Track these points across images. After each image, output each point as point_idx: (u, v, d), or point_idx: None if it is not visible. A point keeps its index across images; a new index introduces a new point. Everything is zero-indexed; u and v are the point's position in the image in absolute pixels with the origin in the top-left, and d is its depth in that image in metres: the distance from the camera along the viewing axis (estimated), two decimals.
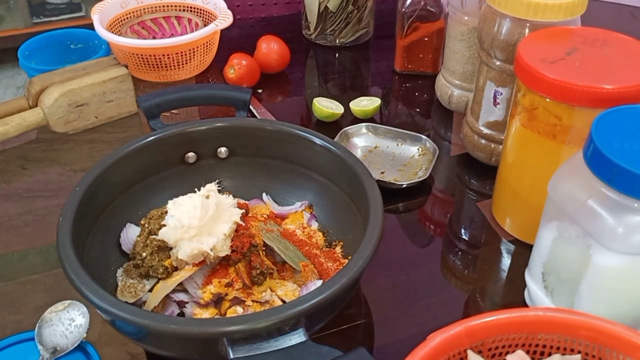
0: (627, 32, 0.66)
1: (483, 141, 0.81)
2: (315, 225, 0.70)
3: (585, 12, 0.70)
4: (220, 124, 0.71)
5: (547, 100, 0.61)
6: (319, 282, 0.61)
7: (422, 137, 0.86)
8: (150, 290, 0.61)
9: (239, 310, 0.58)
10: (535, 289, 0.62)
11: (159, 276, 0.60)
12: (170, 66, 1.01)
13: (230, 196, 0.64)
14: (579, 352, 0.44)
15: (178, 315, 0.59)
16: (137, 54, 0.98)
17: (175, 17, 1.12)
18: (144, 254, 0.60)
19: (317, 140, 0.68)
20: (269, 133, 0.71)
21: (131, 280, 0.62)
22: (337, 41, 1.14)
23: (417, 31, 1.00)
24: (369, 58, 1.16)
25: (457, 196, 0.83)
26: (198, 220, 0.57)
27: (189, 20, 1.12)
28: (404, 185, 0.79)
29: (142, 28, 1.11)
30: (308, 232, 0.68)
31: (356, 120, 0.93)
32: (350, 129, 0.88)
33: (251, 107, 0.95)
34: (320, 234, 0.69)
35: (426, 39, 1.00)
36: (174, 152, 0.70)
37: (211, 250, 0.57)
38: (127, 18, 1.09)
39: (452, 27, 0.90)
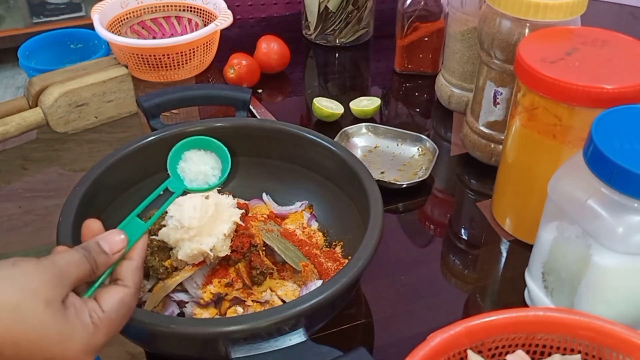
0: (627, 32, 0.66)
1: (483, 141, 0.81)
2: (315, 225, 0.70)
3: (585, 12, 0.70)
4: (220, 124, 0.71)
5: (547, 100, 0.61)
6: (319, 282, 0.61)
7: (422, 137, 0.86)
8: (150, 290, 0.61)
9: (239, 310, 0.58)
10: (535, 289, 0.62)
11: (159, 276, 0.60)
12: (170, 66, 1.01)
13: (230, 196, 0.64)
14: (579, 352, 0.45)
15: (178, 315, 0.59)
16: (137, 54, 0.98)
17: (175, 17, 1.12)
18: None
19: (317, 140, 0.68)
20: (269, 133, 0.71)
21: None
22: (337, 41, 1.14)
23: (417, 31, 1.00)
24: (369, 58, 1.16)
25: (457, 196, 0.83)
26: (198, 220, 0.57)
27: (189, 20, 1.12)
28: (404, 185, 0.79)
29: (142, 28, 1.11)
30: (308, 232, 0.68)
31: (356, 120, 0.93)
32: (350, 129, 0.88)
33: (251, 107, 0.95)
34: (320, 234, 0.69)
35: (426, 39, 1.00)
36: None
37: (211, 250, 0.57)
38: (127, 18, 1.09)
39: (452, 27, 0.90)
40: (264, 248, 0.62)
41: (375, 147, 0.87)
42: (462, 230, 0.77)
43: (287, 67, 1.07)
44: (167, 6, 1.12)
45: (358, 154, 0.86)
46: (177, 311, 0.60)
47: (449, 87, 0.93)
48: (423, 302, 0.66)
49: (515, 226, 0.73)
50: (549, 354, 0.45)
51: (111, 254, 0.47)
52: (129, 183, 0.67)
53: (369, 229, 0.56)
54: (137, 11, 1.10)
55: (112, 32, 1.03)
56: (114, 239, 0.48)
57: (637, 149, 0.50)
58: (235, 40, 1.17)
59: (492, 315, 0.44)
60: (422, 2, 0.97)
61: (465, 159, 0.86)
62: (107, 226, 0.64)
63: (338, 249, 0.66)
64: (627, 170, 0.48)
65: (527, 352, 0.45)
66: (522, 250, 0.70)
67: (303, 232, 0.67)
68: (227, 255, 0.58)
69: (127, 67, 0.93)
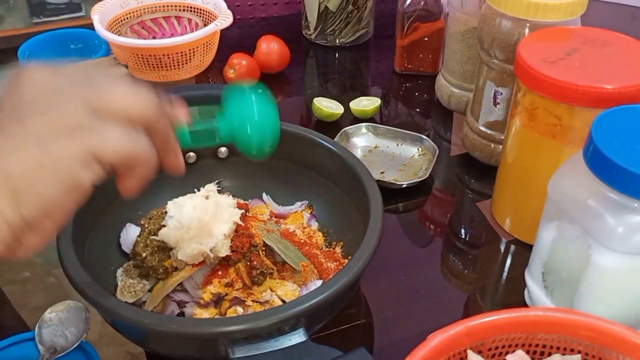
0: (627, 32, 0.66)
1: (483, 141, 0.81)
2: (315, 225, 0.70)
3: (585, 12, 0.70)
4: None
5: (547, 100, 0.61)
6: (319, 282, 0.61)
7: (422, 137, 0.86)
8: (150, 290, 0.61)
9: (239, 310, 0.58)
10: (535, 289, 0.62)
11: (159, 276, 0.60)
12: (170, 66, 1.01)
13: (230, 196, 0.64)
14: (579, 352, 0.45)
15: (178, 315, 0.59)
16: (137, 54, 0.98)
17: (175, 17, 1.12)
18: (144, 254, 0.60)
19: (317, 140, 0.68)
20: None
21: (131, 280, 0.62)
22: (337, 41, 1.14)
23: (417, 31, 1.00)
24: (369, 58, 1.16)
25: (457, 196, 0.83)
26: (198, 220, 0.57)
27: (189, 20, 1.12)
28: (404, 185, 0.79)
29: (142, 28, 1.11)
30: (308, 232, 0.68)
31: (356, 120, 0.93)
32: (350, 129, 0.88)
33: None
34: (320, 234, 0.69)
35: (426, 39, 1.00)
36: None
37: (211, 250, 0.57)
38: (127, 18, 1.09)
39: (452, 27, 0.90)
40: (264, 248, 0.62)
41: (375, 147, 0.87)
42: (462, 230, 0.77)
43: (287, 67, 1.07)
44: (167, 6, 1.12)
45: (358, 154, 0.86)
46: (177, 311, 0.60)
47: (449, 87, 0.93)
48: (423, 302, 0.66)
49: (515, 226, 0.73)
50: (549, 354, 0.45)
51: (176, 115, 0.42)
52: None
53: (369, 229, 0.56)
54: (137, 11, 1.10)
55: (112, 32, 1.03)
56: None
57: (637, 149, 0.50)
58: (235, 40, 1.17)
59: (492, 315, 0.44)
60: (422, 2, 0.97)
61: (465, 159, 0.86)
62: (106, 226, 0.64)
63: (338, 249, 0.66)
64: (627, 170, 0.48)
65: (527, 352, 0.45)
66: (522, 250, 0.70)
67: (303, 232, 0.67)
68: (227, 255, 0.58)
69: (127, 67, 0.93)
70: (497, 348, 0.45)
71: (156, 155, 0.40)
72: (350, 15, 1.11)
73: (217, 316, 0.58)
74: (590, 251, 0.53)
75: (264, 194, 0.73)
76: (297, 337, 0.48)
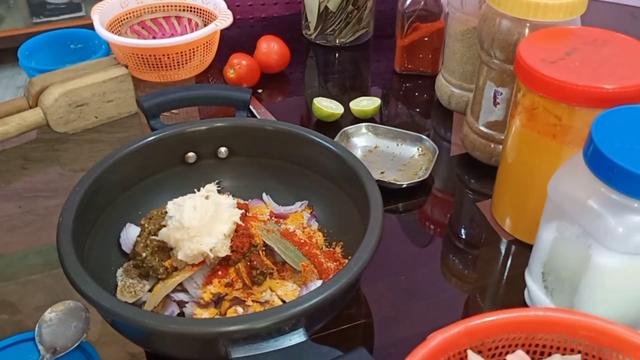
0: (627, 32, 0.66)
1: (483, 141, 0.81)
2: (315, 225, 0.70)
3: (585, 12, 0.70)
4: (220, 124, 0.71)
5: (547, 100, 0.61)
6: (319, 282, 0.61)
7: (422, 137, 0.86)
8: (150, 290, 0.61)
9: (239, 310, 0.58)
10: (535, 289, 0.62)
11: (159, 276, 0.60)
12: (170, 66, 1.01)
13: (230, 196, 0.64)
14: (579, 352, 0.45)
15: (178, 315, 0.59)
16: (137, 54, 0.98)
17: (175, 17, 1.12)
18: (144, 254, 0.60)
19: (317, 140, 0.68)
20: (269, 133, 0.71)
21: (131, 280, 0.62)
22: (337, 41, 1.14)
23: (417, 31, 1.00)
24: (369, 58, 1.16)
25: (457, 196, 0.83)
26: (198, 220, 0.57)
27: (189, 20, 1.12)
28: (404, 185, 0.79)
29: (142, 28, 1.11)
30: (308, 232, 0.68)
31: (356, 120, 0.93)
32: (350, 129, 0.88)
33: (251, 107, 0.95)
34: (320, 234, 0.69)
35: (426, 39, 1.00)
36: (174, 152, 0.70)
37: (211, 250, 0.57)
38: (127, 18, 1.09)
39: (452, 27, 0.90)
40: (264, 248, 0.62)
41: (375, 147, 0.87)
42: (462, 230, 0.77)
43: (287, 67, 1.07)
44: (167, 6, 1.12)
45: (358, 154, 0.86)
46: (177, 311, 0.60)
47: (449, 87, 0.93)
48: (423, 302, 0.66)
49: (515, 226, 0.73)
50: (549, 354, 0.45)
51: None
52: (129, 183, 0.67)
53: (369, 229, 0.56)
54: (137, 11, 1.10)
55: (112, 32, 1.03)
56: None
57: (637, 149, 0.50)
58: (235, 40, 1.17)
59: (492, 315, 0.44)
60: (422, 2, 0.97)
61: (465, 159, 0.86)
62: (106, 226, 0.64)
63: (338, 249, 0.66)
64: (627, 170, 0.48)
65: (527, 352, 0.45)
66: (522, 250, 0.70)
67: (303, 232, 0.67)
68: (227, 255, 0.58)
69: (127, 67, 0.93)
70: (497, 348, 0.45)
71: None
72: (350, 15, 1.11)
73: (217, 316, 0.58)
74: (590, 251, 0.53)
75: (264, 194, 0.73)
76: (297, 337, 0.48)
